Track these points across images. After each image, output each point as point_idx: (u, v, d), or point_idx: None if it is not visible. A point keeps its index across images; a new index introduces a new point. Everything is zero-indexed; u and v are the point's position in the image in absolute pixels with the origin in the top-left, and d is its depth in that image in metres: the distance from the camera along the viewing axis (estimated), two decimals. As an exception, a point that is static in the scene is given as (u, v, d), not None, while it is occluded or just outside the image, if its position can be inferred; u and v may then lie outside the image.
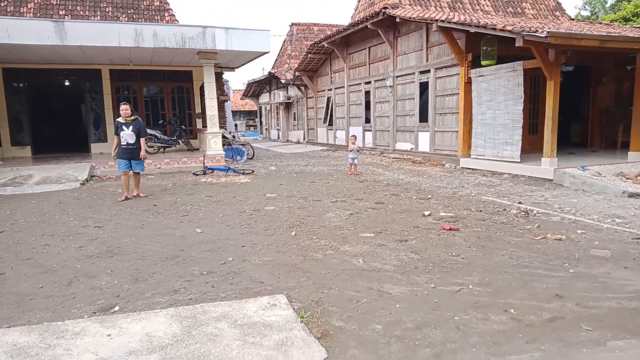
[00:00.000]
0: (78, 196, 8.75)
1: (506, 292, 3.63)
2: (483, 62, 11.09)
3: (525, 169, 10.07)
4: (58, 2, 16.02)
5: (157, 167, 12.20)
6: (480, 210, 6.68)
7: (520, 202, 7.20)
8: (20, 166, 11.26)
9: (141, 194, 8.45)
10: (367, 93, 17.22)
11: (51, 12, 15.55)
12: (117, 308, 3.47)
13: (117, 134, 8.06)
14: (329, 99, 20.76)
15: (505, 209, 6.74)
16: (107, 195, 8.74)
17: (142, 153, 8.23)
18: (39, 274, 4.28)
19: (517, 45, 9.14)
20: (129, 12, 16.65)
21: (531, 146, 11.69)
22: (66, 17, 15.37)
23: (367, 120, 17.46)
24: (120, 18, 16.15)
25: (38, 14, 15.24)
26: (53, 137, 16.50)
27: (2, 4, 15.26)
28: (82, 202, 8.14)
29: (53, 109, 17.35)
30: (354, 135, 11.93)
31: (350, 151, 11.18)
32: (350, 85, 18.60)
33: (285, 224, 6.10)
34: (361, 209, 6.94)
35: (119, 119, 8.09)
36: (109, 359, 2.73)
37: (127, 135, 8.01)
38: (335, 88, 20.01)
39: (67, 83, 14.85)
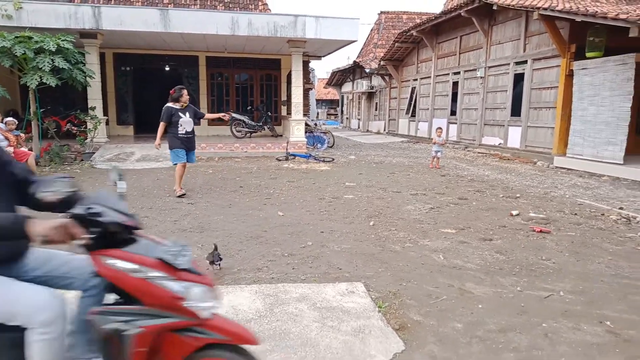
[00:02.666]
0: (173, 174, 9.42)
1: (602, 303, 3.37)
2: (588, 54, 10.17)
3: (628, 172, 9.14)
4: (163, -8, 17.23)
5: (244, 151, 12.76)
6: (575, 214, 6.20)
7: (621, 208, 6.56)
8: (124, 144, 12.38)
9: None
10: (455, 84, 16.56)
11: (157, 2, 16.77)
12: (206, 280, 3.72)
13: (168, 121, 6.98)
14: (413, 89, 20.28)
15: (603, 214, 6.19)
16: (198, 175, 9.33)
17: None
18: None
19: (630, 35, 8.27)
20: (225, 0, 17.47)
21: (637, 147, 10.57)
22: (169, 5, 16.49)
23: (453, 113, 16.82)
24: (218, 7, 17.00)
25: (146, 3, 16.52)
26: (153, 118, 17.83)
27: (116, -6, 16.74)
28: (176, 179, 8.76)
29: (154, 92, 18.76)
30: (440, 128, 11.57)
31: (435, 143, 10.87)
32: (437, 76, 18.00)
33: (364, 213, 6.12)
34: (442, 204, 6.75)
35: (173, 105, 7.01)
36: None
37: (186, 123, 7.07)
38: (421, 78, 19.47)
39: (167, 68, 15.98)
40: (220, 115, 8.11)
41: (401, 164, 11.71)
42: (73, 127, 11.68)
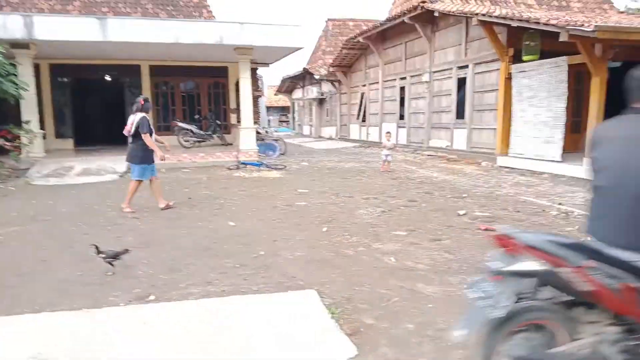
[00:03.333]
0: (116, 188, 9.02)
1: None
2: (525, 58, 10.71)
3: (566, 169, 9.68)
4: (101, 0, 16.57)
5: (193, 161, 12.44)
6: (518, 211, 6.47)
7: (560, 203, 6.92)
8: (62, 158, 11.73)
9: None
10: (402, 89, 16.99)
11: (95, 10, 16.09)
12: (152, 297, 3.55)
13: (150, 132, 6.65)
14: (362, 95, 20.61)
15: (544, 210, 6.51)
16: (144, 187, 8.96)
17: None
18: (79, 262, 4.43)
19: (561, 40, 8.77)
20: (168, 8, 17.03)
21: (573, 145, 11.18)
22: (109, 14, 15.87)
23: (401, 117, 17.23)
24: (160, 14, 16.53)
25: (83, 12, 15.80)
26: (94, 130, 17.08)
27: (50, 3, 15.92)
28: (120, 193, 8.36)
29: (94, 103, 17.97)
30: (388, 132, 11.79)
31: (384, 147, 11.06)
32: (384, 81, 18.40)
33: (317, 219, 6.09)
34: (394, 207, 6.85)
35: (147, 116, 6.71)
36: (145, 346, 2.79)
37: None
38: (370, 84, 19.84)
39: (108, 78, 15.33)
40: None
41: (353, 168, 11.83)
42: (6, 143, 10.93)
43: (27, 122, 10.94)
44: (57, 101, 14.54)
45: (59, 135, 14.65)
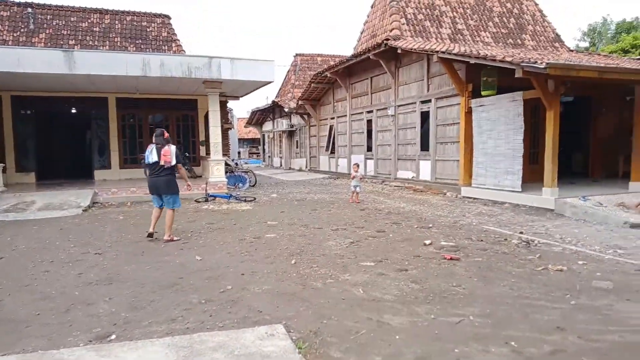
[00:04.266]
0: (79, 222, 8.77)
1: (507, 324, 3.59)
2: (483, 93, 11.24)
3: (526, 199, 10.06)
4: (68, 32, 16.50)
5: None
6: (482, 240, 6.66)
7: (521, 232, 7.17)
8: (23, 192, 11.34)
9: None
10: (369, 122, 17.41)
11: (61, 42, 15.98)
12: (113, 336, 3.44)
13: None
14: (331, 128, 20.98)
15: (506, 239, 6.71)
16: (108, 222, 8.75)
17: None
18: (37, 301, 4.26)
19: (516, 76, 9.29)
20: (137, 42, 17.10)
21: (532, 176, 11.70)
22: (76, 46, 15.79)
23: (369, 149, 17.59)
24: (129, 48, 16.57)
25: (49, 44, 15.66)
26: (58, 163, 16.64)
27: (15, 34, 15.73)
28: (83, 228, 8.15)
29: (59, 135, 17.58)
30: (356, 164, 11.98)
31: (353, 179, 11.23)
32: (352, 114, 18.83)
33: (286, 252, 6.08)
34: (362, 237, 6.92)
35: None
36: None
37: None
38: (338, 117, 20.25)
39: (74, 111, 15.08)
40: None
41: (322, 200, 11.90)
42: (-39, 176, 10.52)
43: (-15, 156, 10.59)
44: (19, 134, 14.14)
45: (20, 168, 14.18)
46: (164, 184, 6.91)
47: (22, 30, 15.94)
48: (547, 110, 9.66)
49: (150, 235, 6.98)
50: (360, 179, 11.60)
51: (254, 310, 3.96)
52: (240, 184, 14.75)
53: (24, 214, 9.56)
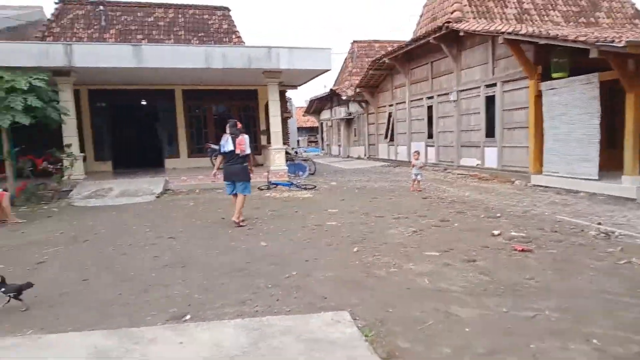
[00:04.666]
0: (153, 208, 9.28)
1: (587, 320, 3.37)
2: (554, 75, 10.55)
3: (604, 187, 9.37)
4: (136, 28, 17.36)
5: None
6: (555, 231, 6.29)
7: (599, 223, 6.69)
8: (102, 180, 12.16)
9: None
10: (430, 108, 16.94)
11: (130, 37, 16.86)
12: (188, 317, 3.62)
13: None
14: (390, 115, 20.64)
15: (583, 230, 6.30)
16: (179, 208, 9.19)
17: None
18: (118, 282, 4.56)
19: (591, 56, 8.62)
20: (199, 35, 17.67)
21: (610, 162, 10.86)
22: (143, 41, 16.58)
23: (430, 136, 17.13)
24: (192, 41, 17.17)
25: (119, 39, 16.58)
26: (131, 152, 17.67)
27: (89, 31, 16.79)
28: (157, 214, 8.63)
29: (130, 126, 18.64)
30: (417, 151, 11.73)
31: (413, 167, 11.01)
32: (411, 101, 18.39)
33: (348, 239, 6.09)
34: (425, 227, 6.78)
35: None
36: (181, 366, 2.84)
37: None
38: (397, 103, 19.87)
39: (143, 102, 15.91)
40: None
41: (382, 188, 11.78)
42: (49, 166, 11.45)
43: (68, 146, 11.45)
44: (96, 125, 15.15)
45: (98, 158, 15.21)
46: (239, 170, 7.27)
47: (95, 27, 16.97)
48: (626, 93, 8.91)
49: (237, 223, 7.17)
50: (421, 167, 11.34)
51: (319, 296, 4.01)
52: (301, 172, 14.92)
53: (103, 200, 10.27)
